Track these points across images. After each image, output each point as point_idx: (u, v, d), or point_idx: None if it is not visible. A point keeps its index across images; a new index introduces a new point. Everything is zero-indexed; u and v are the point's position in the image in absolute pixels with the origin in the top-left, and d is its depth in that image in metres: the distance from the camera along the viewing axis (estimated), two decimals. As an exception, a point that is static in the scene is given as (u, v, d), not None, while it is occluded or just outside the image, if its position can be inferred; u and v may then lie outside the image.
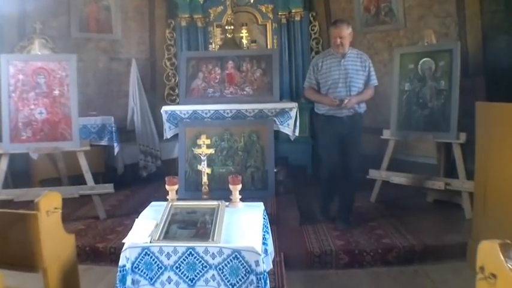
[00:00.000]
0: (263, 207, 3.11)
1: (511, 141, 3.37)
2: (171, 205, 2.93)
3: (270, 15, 7.38)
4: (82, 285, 2.96)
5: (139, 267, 2.54)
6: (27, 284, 2.98)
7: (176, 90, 7.42)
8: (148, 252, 2.53)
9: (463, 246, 3.88)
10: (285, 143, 6.30)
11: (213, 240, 2.52)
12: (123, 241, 2.61)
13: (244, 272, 2.46)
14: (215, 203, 2.94)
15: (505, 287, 1.54)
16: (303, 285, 3.70)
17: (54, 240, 2.63)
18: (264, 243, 2.79)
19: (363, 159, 4.66)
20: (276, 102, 5.29)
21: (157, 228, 2.67)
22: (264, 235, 2.85)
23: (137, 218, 2.91)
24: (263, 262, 2.51)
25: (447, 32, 5.93)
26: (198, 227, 2.70)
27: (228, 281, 2.47)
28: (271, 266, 3.07)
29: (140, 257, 2.54)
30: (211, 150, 3.56)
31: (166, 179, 3.10)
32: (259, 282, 2.43)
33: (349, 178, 4.50)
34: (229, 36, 6.85)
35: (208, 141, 3.55)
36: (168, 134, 5.29)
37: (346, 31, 4.34)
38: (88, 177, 4.95)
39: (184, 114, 5.20)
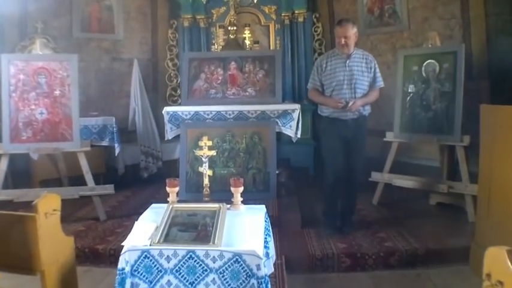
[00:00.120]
0: (265, 210, 3.07)
1: (516, 145, 3.34)
2: (172, 207, 2.90)
3: (273, 16, 7.36)
4: (81, 288, 2.94)
5: (139, 270, 2.50)
6: (25, 287, 2.95)
7: (178, 91, 7.41)
8: (148, 255, 2.50)
9: (465, 250, 3.85)
10: (286, 145, 6.27)
11: (213, 243, 2.48)
12: (123, 244, 2.57)
13: (245, 276, 2.42)
14: (216, 205, 2.90)
15: (513, 295, 1.51)
16: (305, 288, 3.66)
17: (53, 242, 2.60)
18: (265, 247, 2.75)
19: (366, 161, 4.62)
20: (279, 103, 5.25)
21: (157, 231, 2.63)
22: (265, 238, 2.82)
23: (137, 219, 2.88)
24: (264, 266, 2.48)
25: (451, 34, 5.90)
26: (199, 229, 2.66)
27: (228, 285, 2.43)
28: (273, 269, 3.03)
29: (140, 260, 2.50)
30: (213, 152, 3.52)
31: (167, 181, 3.07)
32: (261, 286, 2.39)
33: (353, 182, 4.41)
34: (231, 37, 6.84)
35: (210, 143, 3.51)
36: (169, 135, 5.26)
37: (351, 31, 4.20)
38: (88, 178, 4.93)
39: (186, 115, 5.17)
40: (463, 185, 4.74)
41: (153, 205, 3.16)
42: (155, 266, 2.49)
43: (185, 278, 2.47)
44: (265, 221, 2.97)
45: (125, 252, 2.51)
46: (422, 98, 5.11)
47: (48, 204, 2.58)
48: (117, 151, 5.81)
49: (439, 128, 4.95)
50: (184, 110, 5.19)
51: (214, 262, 2.44)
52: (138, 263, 2.50)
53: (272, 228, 3.12)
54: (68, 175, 5.65)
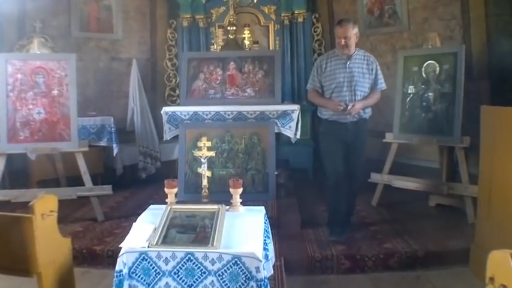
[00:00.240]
0: (264, 212, 3.05)
1: (517, 146, 3.33)
2: (170, 209, 2.87)
3: (273, 17, 7.34)
4: (78, 289, 2.91)
5: (137, 272, 2.48)
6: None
7: (177, 91, 7.39)
8: (146, 257, 2.47)
9: (465, 251, 3.84)
10: (285, 146, 6.24)
11: (212, 245, 2.46)
12: (120, 245, 2.55)
13: (244, 279, 2.39)
14: (215, 206, 2.88)
15: (517, 299, 1.49)
16: (304, 290, 3.64)
17: (50, 244, 2.58)
18: (264, 249, 2.73)
19: (365, 162, 4.59)
20: (278, 104, 5.23)
21: (155, 233, 2.61)
22: (264, 240, 2.80)
23: (135, 220, 2.85)
24: (264, 268, 2.45)
25: (451, 35, 5.88)
26: (198, 231, 2.64)
27: (227, 288, 2.42)
28: (272, 271, 3.01)
29: (138, 262, 2.48)
30: (212, 153, 3.51)
31: (165, 182, 3.04)
32: (260, 288, 2.37)
33: (353, 185, 4.30)
34: (231, 37, 6.82)
35: (209, 144, 3.49)
36: (168, 135, 5.24)
37: (352, 31, 4.07)
38: (86, 178, 4.90)
39: (185, 116, 5.15)
40: (463, 187, 4.72)
41: (151, 206, 3.14)
42: (153, 268, 2.47)
43: (184, 280, 2.45)
44: (265, 223, 2.95)
45: (123, 254, 2.49)
46: (422, 99, 5.09)
47: (44, 205, 2.56)
48: (115, 151, 5.79)
49: (438, 129, 4.93)
50: (183, 110, 5.17)
51: (213, 264, 2.42)
52: (136, 265, 2.48)
53: (271, 230, 3.10)
54: (65, 175, 5.61)
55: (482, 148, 3.76)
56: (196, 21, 7.33)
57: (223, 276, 2.41)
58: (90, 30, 7.05)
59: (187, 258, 2.44)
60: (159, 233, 2.60)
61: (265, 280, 2.43)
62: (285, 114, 5.09)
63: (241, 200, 3.06)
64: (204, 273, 2.43)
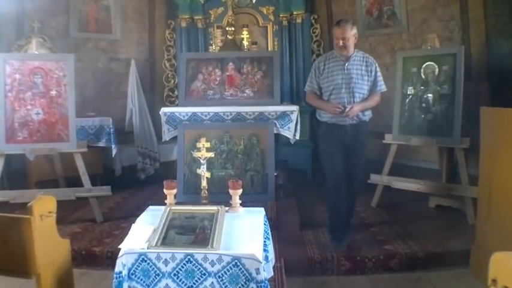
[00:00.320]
0: (264, 213, 3.04)
1: (517, 147, 3.32)
2: (169, 210, 2.86)
3: (271, 17, 7.34)
4: (77, 291, 2.90)
5: (136, 274, 2.47)
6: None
7: (175, 92, 7.38)
8: (146, 259, 2.46)
9: (466, 252, 3.82)
10: (284, 146, 6.23)
11: (212, 247, 2.45)
12: (120, 246, 2.53)
13: (244, 280, 2.38)
14: (215, 207, 2.87)
15: (520, 301, 1.48)
16: (303, 291, 3.63)
17: (48, 245, 2.57)
18: (264, 250, 2.72)
19: (365, 164, 4.58)
20: (277, 105, 5.22)
21: (154, 234, 2.59)
22: (264, 241, 2.78)
23: (134, 221, 2.84)
24: (264, 270, 2.44)
25: (450, 36, 5.88)
26: (197, 232, 2.63)
27: (227, 289, 2.41)
28: (272, 272, 2.99)
29: (137, 264, 2.47)
30: (211, 154, 3.48)
31: (164, 183, 3.03)
32: (260, 290, 2.36)
33: (353, 187, 4.21)
34: (229, 37, 6.80)
35: (208, 145, 3.47)
36: (166, 136, 5.23)
37: (350, 32, 3.97)
38: (85, 179, 4.88)
39: (184, 116, 5.13)
40: (463, 188, 4.71)
41: (150, 207, 3.13)
42: (153, 269, 2.46)
43: (183, 282, 2.44)
44: (265, 224, 2.94)
45: (122, 255, 2.48)
46: (422, 100, 5.09)
47: (43, 206, 2.54)
48: (114, 152, 5.78)
49: (438, 130, 4.93)
50: (182, 111, 5.16)
51: (212, 266, 2.41)
52: (135, 266, 2.47)
53: (271, 231, 3.09)
54: (64, 176, 5.61)
55: (482, 149, 3.74)
56: (194, 22, 7.32)
57: (223, 277, 2.40)
58: (88, 30, 7.03)
59: (187, 259, 2.43)
60: (158, 234, 2.59)
61: (266, 281, 2.42)
62: (284, 115, 5.08)
63: (240, 201, 3.05)
64: (204, 274, 2.42)
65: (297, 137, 5.13)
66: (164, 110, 5.20)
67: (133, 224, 2.77)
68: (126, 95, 6.86)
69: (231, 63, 5.50)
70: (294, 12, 7.15)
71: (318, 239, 4.33)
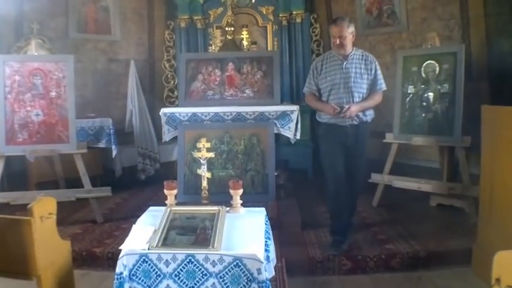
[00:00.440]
0: (265, 213, 3.03)
1: (518, 145, 3.31)
2: (170, 210, 2.85)
3: (271, 17, 7.32)
4: (78, 292, 2.89)
5: (137, 275, 2.46)
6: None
7: (175, 92, 7.36)
8: (146, 260, 2.45)
9: (467, 251, 3.81)
10: (284, 146, 6.22)
11: (213, 247, 2.44)
12: (120, 247, 2.53)
13: (245, 281, 2.38)
14: (215, 208, 2.86)
15: (524, 300, 1.47)
16: (305, 291, 3.62)
17: (49, 246, 2.56)
18: (266, 250, 2.70)
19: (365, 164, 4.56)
20: (277, 104, 5.22)
21: (155, 235, 2.59)
22: (266, 241, 2.77)
23: (135, 222, 2.83)
24: (265, 270, 2.43)
25: (450, 34, 5.88)
26: (198, 233, 2.62)
27: (229, 290, 2.40)
28: (273, 272, 2.98)
29: (138, 265, 2.46)
30: (212, 154, 3.47)
31: (164, 183, 3.02)
32: (261, 290, 2.35)
33: (354, 189, 4.11)
34: (229, 37, 6.78)
35: (208, 145, 3.46)
36: (167, 136, 5.22)
37: (347, 30, 3.84)
38: (85, 180, 4.87)
39: (184, 117, 5.13)
40: (464, 186, 4.70)
41: (151, 208, 3.12)
42: (154, 270, 2.45)
43: (184, 282, 2.43)
44: (266, 224, 2.93)
45: (123, 256, 2.47)
46: (422, 99, 5.08)
47: (43, 208, 2.54)
48: (114, 153, 5.78)
49: (439, 129, 4.92)
50: (182, 111, 5.16)
51: (214, 266, 2.41)
52: (136, 267, 2.46)
53: (271, 231, 3.08)
54: (64, 177, 5.59)
55: (483, 148, 3.73)
56: (194, 22, 7.31)
57: (225, 278, 2.40)
58: (87, 31, 7.03)
59: (188, 260, 2.42)
60: (159, 235, 2.58)
61: (267, 282, 2.41)
62: (284, 115, 5.08)
63: (241, 201, 3.04)
64: (205, 275, 2.41)
65: (298, 137, 5.13)
66: (164, 110, 5.19)
67: (133, 225, 2.77)
68: (125, 95, 6.85)
69: (230, 64, 5.50)
70: (294, 12, 7.14)
71: (319, 238, 4.32)
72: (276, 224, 4.22)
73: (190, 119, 5.13)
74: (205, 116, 5.11)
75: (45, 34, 6.33)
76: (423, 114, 5.06)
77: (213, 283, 2.41)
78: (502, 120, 3.51)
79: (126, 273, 2.45)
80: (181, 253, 2.44)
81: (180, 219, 2.79)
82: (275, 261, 3.08)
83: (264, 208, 3.12)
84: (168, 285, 2.44)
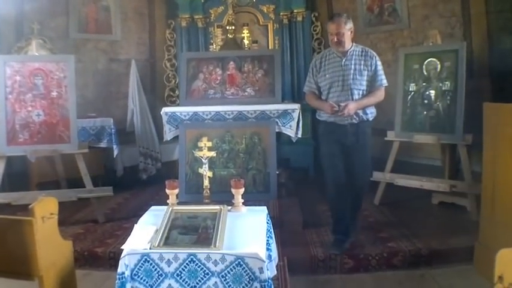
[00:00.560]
0: (266, 212, 3.03)
1: (520, 143, 3.30)
2: (172, 210, 2.85)
3: (272, 16, 7.32)
4: (80, 292, 2.89)
5: (139, 274, 2.46)
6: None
7: (176, 92, 7.36)
8: (148, 259, 2.45)
9: (469, 249, 3.81)
10: (286, 145, 6.20)
11: (215, 246, 2.44)
12: (122, 247, 2.52)
13: (247, 280, 2.37)
14: (217, 207, 2.85)
15: (527, 298, 1.46)
16: (307, 290, 3.61)
17: (50, 246, 2.56)
18: (267, 249, 2.70)
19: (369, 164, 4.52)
20: (278, 103, 5.20)
21: (157, 234, 2.58)
22: (267, 240, 2.77)
23: (137, 222, 2.83)
24: (267, 269, 2.43)
25: (452, 32, 5.86)
26: (200, 232, 2.62)
27: (230, 289, 2.39)
28: (275, 271, 2.98)
29: (140, 264, 2.46)
30: (213, 153, 3.47)
31: (166, 182, 3.02)
32: (264, 289, 2.35)
33: (356, 189, 4.03)
34: (230, 36, 6.77)
35: (209, 144, 3.46)
36: (168, 136, 5.21)
37: (345, 27, 3.76)
38: (87, 180, 4.87)
39: (185, 116, 5.12)
40: (466, 184, 4.70)
41: (152, 207, 3.12)
42: (156, 270, 2.45)
43: (186, 282, 2.43)
44: (267, 223, 2.93)
45: (125, 256, 2.47)
46: (424, 97, 5.08)
47: (45, 208, 2.54)
48: (115, 153, 5.78)
49: (440, 126, 4.92)
50: (183, 110, 5.14)
51: (216, 265, 2.40)
52: (138, 267, 2.46)
53: (273, 230, 3.07)
54: (66, 177, 5.59)
55: (484, 145, 3.72)
56: (195, 21, 7.30)
57: (227, 277, 2.39)
58: (88, 31, 7.02)
59: (189, 259, 2.42)
60: (160, 235, 2.58)
61: (269, 281, 2.41)
62: (285, 114, 5.06)
63: (243, 200, 3.03)
64: (207, 274, 2.41)
65: (299, 135, 5.11)
66: (165, 109, 5.18)
67: (135, 225, 2.76)
68: (126, 95, 6.86)
69: (231, 62, 5.48)
70: (295, 11, 7.12)
71: (320, 237, 4.31)
72: (278, 222, 4.22)
73: (191, 118, 5.12)
74: (207, 115, 5.09)
75: (45, 34, 6.33)
76: (425, 112, 5.05)
77: (215, 282, 2.40)
78: (503, 118, 3.50)
79: (128, 273, 2.45)
80: (183, 252, 2.44)
81: (181, 218, 2.78)
82: (277, 260, 3.08)
83: (265, 207, 3.12)
84: (170, 284, 2.44)
